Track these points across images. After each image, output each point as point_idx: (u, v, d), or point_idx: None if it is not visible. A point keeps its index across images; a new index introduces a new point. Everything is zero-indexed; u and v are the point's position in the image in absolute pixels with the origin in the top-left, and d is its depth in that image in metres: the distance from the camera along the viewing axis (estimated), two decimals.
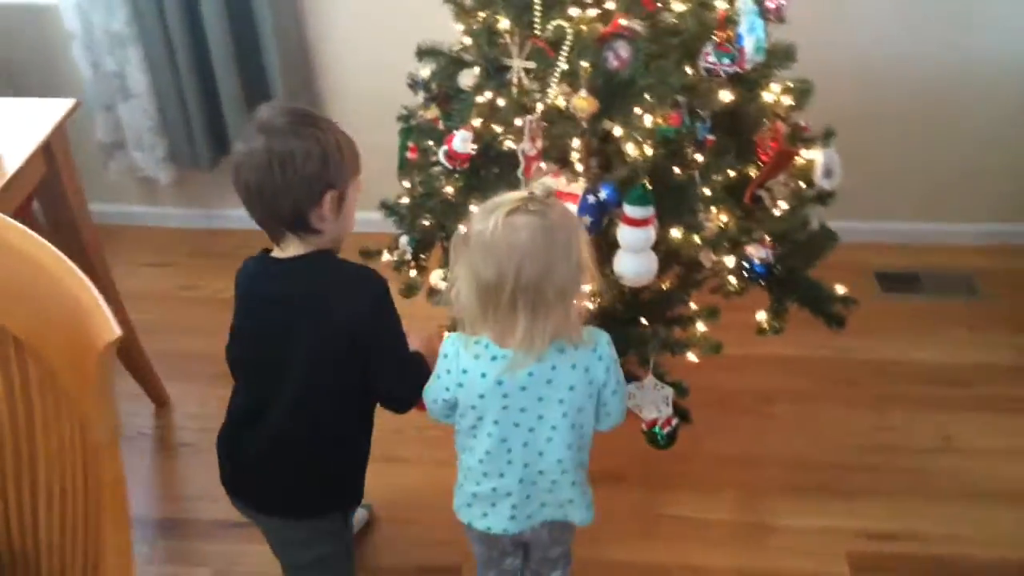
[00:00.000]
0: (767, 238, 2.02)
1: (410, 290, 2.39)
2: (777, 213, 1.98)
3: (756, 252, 2.01)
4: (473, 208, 1.90)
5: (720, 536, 2.29)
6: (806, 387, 2.69)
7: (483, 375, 1.56)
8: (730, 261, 2.02)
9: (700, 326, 2.07)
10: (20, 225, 1.16)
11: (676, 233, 1.94)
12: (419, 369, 1.73)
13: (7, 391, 1.25)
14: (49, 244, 1.14)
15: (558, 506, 1.72)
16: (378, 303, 1.66)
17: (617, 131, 1.88)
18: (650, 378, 2.02)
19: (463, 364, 1.57)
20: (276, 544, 1.93)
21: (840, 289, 2.14)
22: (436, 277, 2.27)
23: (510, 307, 1.46)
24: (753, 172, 1.98)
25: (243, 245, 3.37)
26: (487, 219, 1.44)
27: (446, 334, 1.68)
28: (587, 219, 1.90)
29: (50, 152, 2.11)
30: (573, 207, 1.91)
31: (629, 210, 1.85)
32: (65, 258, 1.12)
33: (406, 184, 2.30)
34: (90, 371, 1.07)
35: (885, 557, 2.23)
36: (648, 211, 1.86)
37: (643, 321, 2.08)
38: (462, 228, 1.55)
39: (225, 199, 3.35)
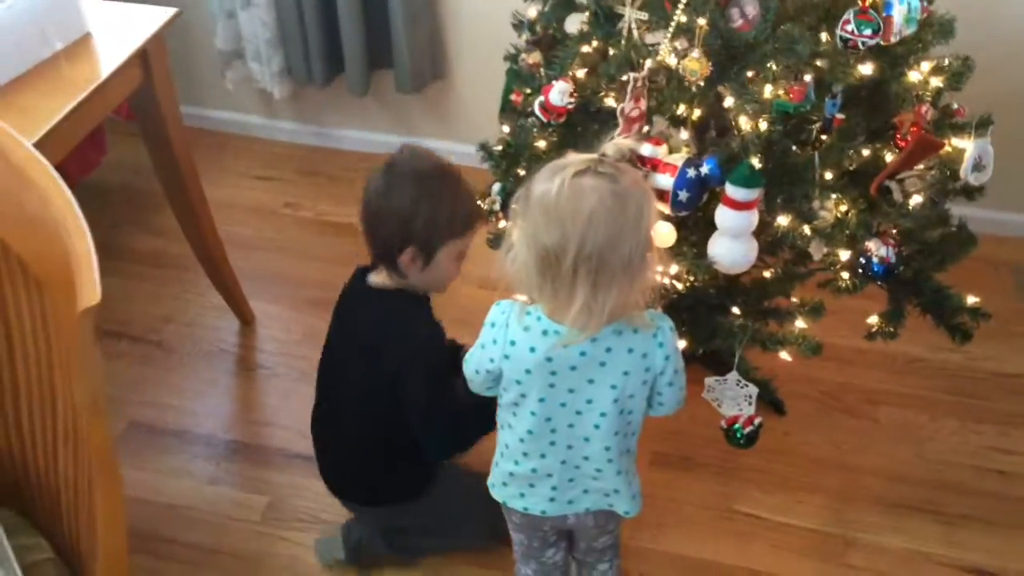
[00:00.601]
0: (891, 234, 1.80)
1: (498, 240, 2.27)
2: (908, 208, 1.73)
3: (876, 249, 1.79)
4: None
5: (795, 543, 2.12)
6: (919, 392, 2.44)
7: (532, 349, 1.44)
8: (845, 255, 1.80)
9: (800, 322, 1.87)
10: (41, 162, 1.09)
11: (784, 220, 1.74)
12: (447, 429, 1.79)
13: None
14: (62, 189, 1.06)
15: (603, 495, 1.61)
16: (415, 365, 1.74)
17: (729, 100, 1.68)
18: (733, 374, 1.84)
19: (511, 335, 1.45)
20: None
21: (971, 299, 1.89)
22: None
23: (570, 277, 1.33)
24: (887, 158, 1.74)
25: (351, 168, 3.39)
26: (552, 179, 1.32)
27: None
28: (684, 194, 1.73)
29: (146, 59, 2.07)
30: (670, 179, 1.73)
31: (732, 191, 1.67)
32: (70, 204, 1.04)
33: (505, 129, 2.16)
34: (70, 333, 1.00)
35: None
36: (753, 193, 1.67)
37: (734, 310, 1.89)
38: (525, 188, 1.41)
39: (338, 118, 3.29)
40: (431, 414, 1.75)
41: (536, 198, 1.33)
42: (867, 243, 1.79)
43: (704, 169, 1.71)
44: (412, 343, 1.76)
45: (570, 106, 1.81)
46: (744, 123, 1.66)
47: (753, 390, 1.85)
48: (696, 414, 1.94)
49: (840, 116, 1.70)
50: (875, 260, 1.80)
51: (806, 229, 1.74)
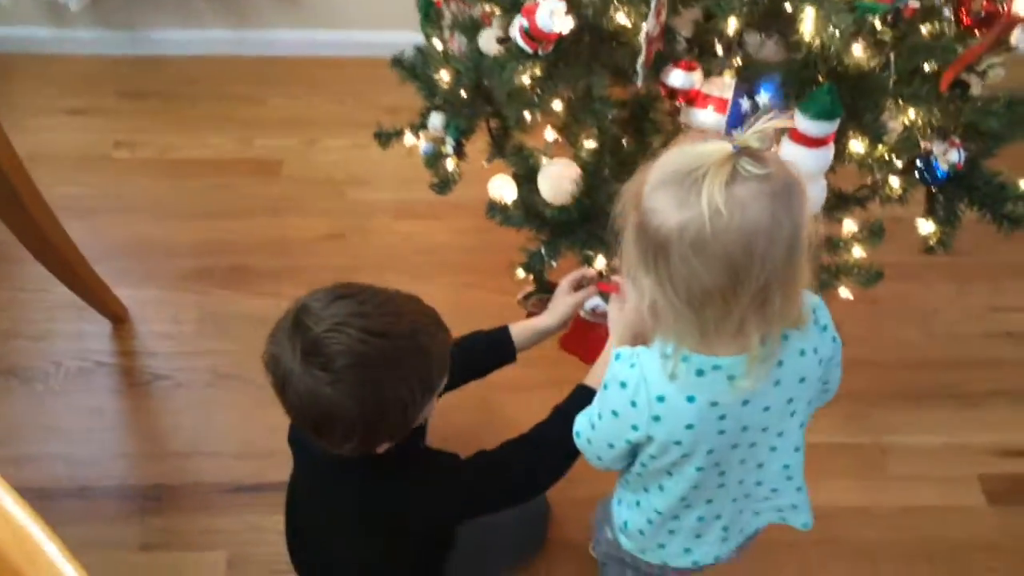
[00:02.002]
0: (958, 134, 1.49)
1: (444, 186, 1.81)
2: (994, 104, 1.41)
3: (944, 154, 1.48)
4: (588, 143, 1.31)
5: (832, 463, 1.92)
6: (904, 260, 2.23)
7: (690, 399, 1.08)
8: (898, 162, 1.49)
9: (857, 250, 1.57)
10: None
11: (858, 145, 1.38)
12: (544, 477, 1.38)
13: None
14: None
15: (775, 511, 1.32)
16: (459, 498, 1.36)
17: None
18: None
19: (655, 390, 1.09)
20: None
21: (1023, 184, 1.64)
22: (498, 186, 1.69)
23: (741, 311, 0.98)
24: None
25: (188, 78, 2.72)
26: (691, 203, 0.92)
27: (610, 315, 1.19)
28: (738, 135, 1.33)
29: None
30: (717, 116, 1.33)
31: (806, 124, 1.28)
32: None
33: (437, 44, 1.66)
34: None
35: (1022, 479, 1.91)
36: (832, 126, 1.29)
37: None
38: (634, 214, 0.99)
39: (151, 16, 2.58)
40: (521, 491, 1.38)
41: (675, 233, 0.93)
42: (931, 146, 1.47)
43: (762, 98, 1.31)
44: (439, 492, 1.33)
45: (564, 31, 1.34)
46: (808, 28, 1.26)
47: None
48: None
49: (914, 3, 1.33)
50: (941, 166, 1.49)
51: (881, 149, 1.39)
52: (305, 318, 1.15)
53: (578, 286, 1.59)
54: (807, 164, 1.32)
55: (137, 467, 1.90)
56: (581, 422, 1.24)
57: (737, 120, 1.32)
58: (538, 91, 1.44)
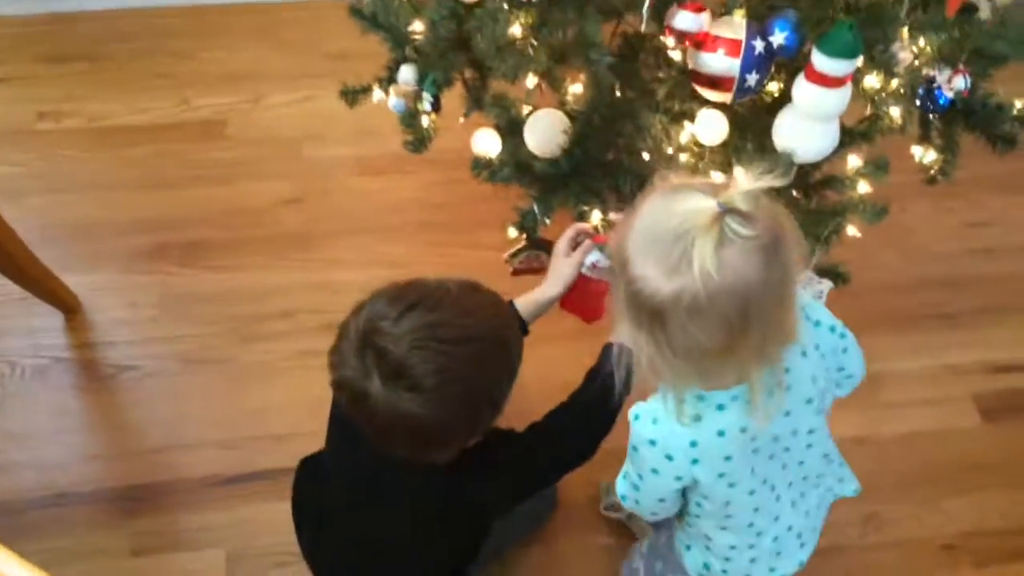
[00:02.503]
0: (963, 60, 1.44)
1: (420, 144, 1.69)
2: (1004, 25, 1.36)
3: (950, 82, 1.43)
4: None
5: None
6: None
7: (720, 433, 1.08)
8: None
9: (863, 186, 1.52)
10: None
11: (873, 80, 1.32)
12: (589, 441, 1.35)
13: None
14: None
15: (827, 489, 1.34)
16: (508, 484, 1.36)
17: None
18: (807, 272, 1.49)
19: (687, 437, 1.09)
20: None
21: (1019, 103, 1.60)
22: (482, 140, 1.58)
23: (738, 362, 1.00)
24: None
25: (112, 36, 2.50)
26: (682, 270, 0.90)
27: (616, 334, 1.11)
28: (753, 77, 1.26)
29: None
30: (730, 60, 1.25)
31: (824, 63, 1.22)
32: None
33: None
34: None
35: (1016, 394, 1.93)
36: (852, 65, 1.23)
37: (792, 193, 1.51)
38: (623, 278, 0.96)
39: None
40: (573, 460, 1.36)
41: (670, 302, 0.92)
42: (932, 74, 1.42)
43: (777, 39, 1.23)
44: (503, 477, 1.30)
45: None
46: None
47: (827, 285, 1.52)
48: None
49: None
50: (946, 93, 1.45)
51: (894, 84, 1.34)
52: (378, 339, 1.08)
53: (574, 244, 1.52)
54: (825, 105, 1.27)
55: (114, 468, 1.78)
56: (623, 487, 1.21)
57: (751, 64, 1.24)
58: (532, 42, 1.34)
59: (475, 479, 1.25)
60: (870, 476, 1.81)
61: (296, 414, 1.85)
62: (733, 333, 0.93)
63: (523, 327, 1.45)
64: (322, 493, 1.46)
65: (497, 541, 1.63)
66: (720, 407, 1.07)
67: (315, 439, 1.81)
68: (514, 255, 1.69)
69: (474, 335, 1.10)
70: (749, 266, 0.90)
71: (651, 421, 1.10)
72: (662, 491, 1.15)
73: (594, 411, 1.30)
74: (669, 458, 1.10)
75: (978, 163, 2.17)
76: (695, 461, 1.09)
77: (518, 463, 1.29)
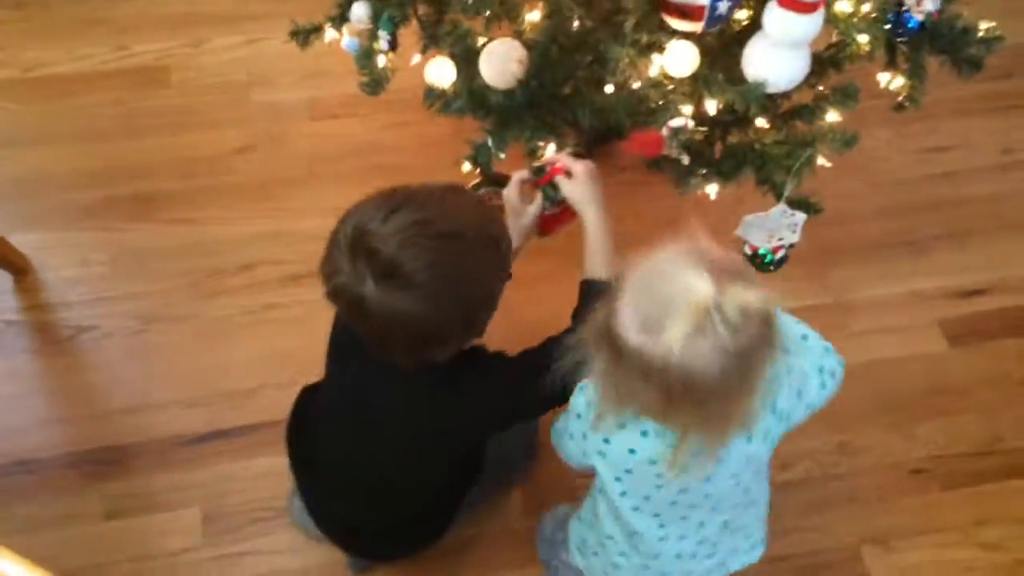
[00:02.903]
0: None
1: (376, 86, 1.63)
2: None
3: (919, 5, 1.41)
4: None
5: None
6: None
7: (631, 451, 1.12)
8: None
9: (831, 114, 1.50)
10: None
11: (845, 5, 1.29)
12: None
13: None
14: None
15: (719, 563, 1.35)
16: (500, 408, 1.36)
17: None
18: (781, 205, 1.47)
19: (604, 432, 1.13)
20: None
21: (984, 25, 1.59)
22: (435, 70, 1.53)
23: (680, 423, 1.04)
24: None
25: None
26: (652, 331, 0.93)
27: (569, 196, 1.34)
28: (724, 5, 1.22)
29: None
30: None
31: None
32: None
33: None
34: None
35: (980, 318, 1.95)
36: None
37: (759, 123, 1.48)
38: (608, 304, 0.99)
39: None
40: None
41: (631, 350, 0.95)
42: None
43: None
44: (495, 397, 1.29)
45: None
46: None
47: (800, 217, 1.50)
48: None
49: None
50: (915, 16, 1.43)
51: (865, 8, 1.31)
52: (368, 240, 1.06)
53: (524, 191, 1.49)
54: (796, 31, 1.25)
55: (79, 431, 1.74)
56: (555, 430, 1.27)
57: None
58: None
59: (467, 394, 1.24)
60: (841, 405, 1.83)
61: (263, 368, 1.81)
62: (672, 404, 0.97)
63: None
64: (318, 421, 1.46)
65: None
66: (644, 433, 1.09)
67: (284, 391, 1.78)
68: (475, 188, 1.65)
69: (462, 230, 1.10)
70: (711, 361, 0.92)
71: (586, 403, 1.14)
72: (573, 455, 1.23)
73: None
74: (584, 437, 1.16)
75: (938, 87, 2.18)
76: (602, 454, 1.14)
77: (509, 381, 1.28)
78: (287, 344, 1.83)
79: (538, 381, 1.27)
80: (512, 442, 1.65)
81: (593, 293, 1.32)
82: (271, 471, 1.70)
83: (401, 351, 1.15)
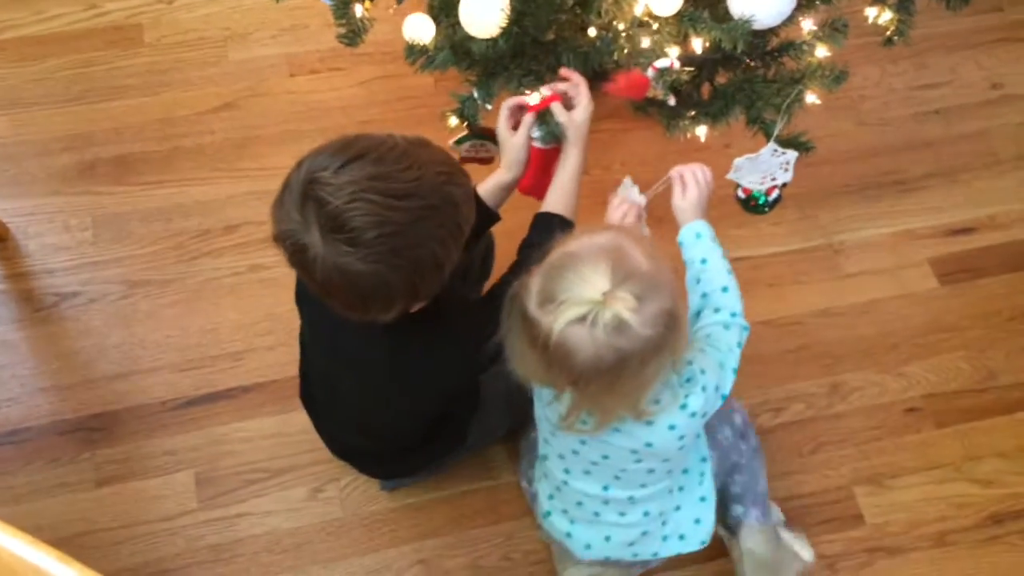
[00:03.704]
0: None
1: (355, 36, 1.59)
2: None
3: None
4: None
5: (787, 272, 1.91)
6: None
7: (548, 403, 1.26)
8: None
9: (821, 50, 1.47)
10: None
11: None
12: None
13: None
14: None
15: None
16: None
17: None
18: (771, 144, 1.45)
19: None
20: None
21: None
22: (413, 26, 1.49)
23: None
24: None
25: None
26: (544, 310, 1.03)
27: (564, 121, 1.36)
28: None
29: None
30: None
31: None
32: None
33: None
34: None
35: (970, 256, 1.94)
36: None
37: (749, 63, 1.45)
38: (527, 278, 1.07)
39: None
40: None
41: (528, 319, 1.05)
42: None
43: None
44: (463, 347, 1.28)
45: None
46: None
47: (792, 155, 1.48)
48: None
49: None
50: None
51: None
52: (318, 189, 1.01)
53: (515, 121, 1.46)
54: None
55: (69, 399, 1.72)
56: None
57: None
58: None
59: (420, 348, 1.22)
60: (835, 346, 1.84)
61: (251, 329, 1.80)
62: (551, 375, 1.06)
63: (494, 214, 1.41)
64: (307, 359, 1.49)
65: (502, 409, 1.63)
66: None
67: (273, 353, 1.77)
68: (459, 142, 1.63)
69: (419, 190, 1.04)
70: (587, 351, 1.00)
71: None
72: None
73: None
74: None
75: (927, 22, 2.16)
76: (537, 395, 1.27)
77: (465, 336, 1.25)
78: (274, 305, 1.81)
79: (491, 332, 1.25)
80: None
81: (546, 227, 1.34)
82: (263, 433, 1.70)
83: (340, 306, 1.11)
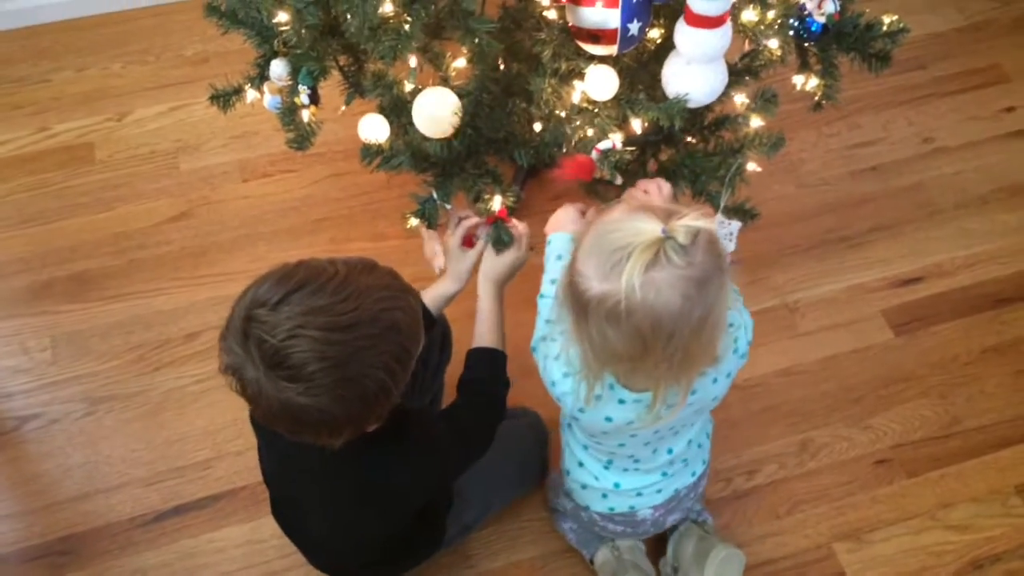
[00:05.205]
0: None
1: (303, 141, 1.63)
2: None
3: (819, 8, 1.45)
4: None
5: None
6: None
7: (608, 419, 1.25)
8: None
9: (755, 121, 1.53)
10: None
11: (751, 14, 1.33)
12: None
13: None
14: None
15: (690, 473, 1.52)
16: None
17: None
18: (718, 216, 1.50)
19: (578, 404, 1.24)
20: None
21: (887, 19, 1.63)
22: (369, 126, 1.52)
23: (648, 371, 1.12)
24: None
25: None
26: (611, 278, 1.01)
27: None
28: (635, 26, 1.25)
29: None
30: (609, 12, 1.23)
31: (700, 5, 1.22)
32: None
33: None
34: None
35: (921, 304, 1.99)
36: (728, 1, 1.23)
37: (688, 140, 1.50)
38: (570, 269, 1.08)
39: None
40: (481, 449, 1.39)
41: (595, 302, 1.03)
42: (803, 1, 1.44)
43: None
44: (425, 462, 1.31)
45: None
46: None
47: (736, 225, 1.53)
48: None
49: None
50: (817, 19, 1.47)
51: (770, 15, 1.34)
52: (256, 328, 1.01)
53: (467, 239, 1.51)
54: (708, 46, 1.27)
55: (34, 523, 1.69)
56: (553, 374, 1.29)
57: (631, 12, 1.23)
58: (406, 18, 1.29)
59: (384, 464, 1.22)
60: (800, 404, 1.87)
61: (218, 436, 1.78)
62: (645, 348, 1.03)
63: (431, 320, 1.43)
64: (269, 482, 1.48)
65: (487, 503, 1.64)
66: (621, 401, 1.20)
67: (242, 458, 1.75)
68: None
69: (358, 320, 1.03)
70: (673, 292, 0.99)
71: (563, 375, 1.24)
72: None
73: (483, 420, 1.39)
74: (559, 400, 1.27)
75: (855, 84, 2.24)
76: (582, 411, 1.25)
77: (428, 450, 1.27)
78: (240, 408, 1.75)
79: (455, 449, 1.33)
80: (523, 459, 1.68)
81: (489, 361, 1.41)
82: (235, 542, 1.67)
83: (290, 434, 1.11)
